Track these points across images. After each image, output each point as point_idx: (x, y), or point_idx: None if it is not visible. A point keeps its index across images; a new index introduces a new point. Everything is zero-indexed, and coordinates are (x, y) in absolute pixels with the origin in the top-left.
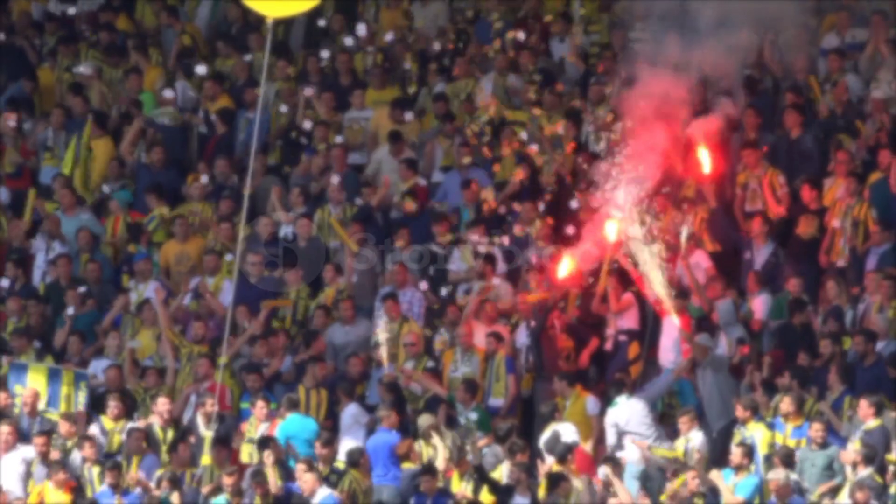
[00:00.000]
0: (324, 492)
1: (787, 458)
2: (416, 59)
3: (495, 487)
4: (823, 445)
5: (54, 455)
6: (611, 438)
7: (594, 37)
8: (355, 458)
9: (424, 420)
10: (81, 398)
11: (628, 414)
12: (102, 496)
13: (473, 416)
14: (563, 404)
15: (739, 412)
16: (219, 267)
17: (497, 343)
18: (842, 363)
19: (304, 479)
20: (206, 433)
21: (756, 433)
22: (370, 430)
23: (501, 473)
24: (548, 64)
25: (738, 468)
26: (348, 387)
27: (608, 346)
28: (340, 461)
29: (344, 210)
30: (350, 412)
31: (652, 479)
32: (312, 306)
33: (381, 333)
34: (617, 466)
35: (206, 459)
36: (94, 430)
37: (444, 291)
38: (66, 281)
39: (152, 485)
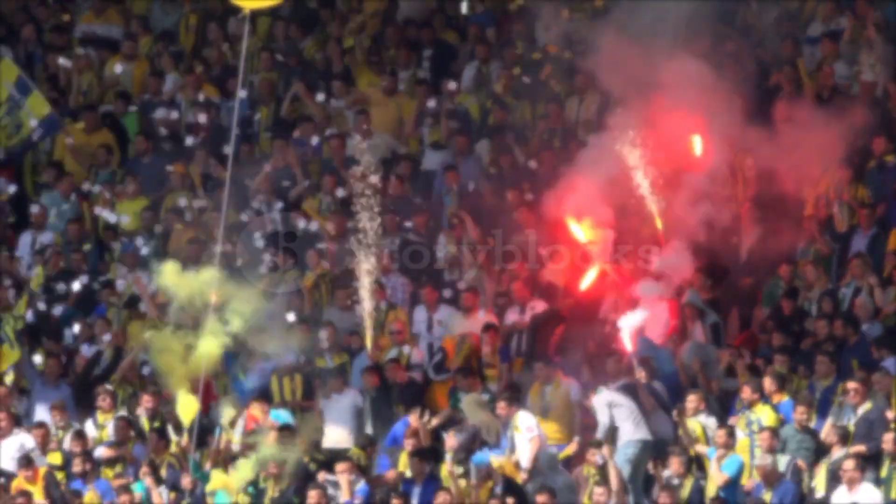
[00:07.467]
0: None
1: None
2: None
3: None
4: (807, 427)
5: (53, 445)
6: (604, 417)
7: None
8: (364, 444)
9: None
10: None
11: (617, 396)
12: (74, 486)
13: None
14: (543, 390)
15: (746, 394)
16: (200, 256)
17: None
18: (836, 350)
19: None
20: (174, 438)
21: (763, 416)
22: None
23: None
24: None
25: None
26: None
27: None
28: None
29: (319, 200)
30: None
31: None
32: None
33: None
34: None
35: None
36: (88, 426)
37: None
38: (55, 272)
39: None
